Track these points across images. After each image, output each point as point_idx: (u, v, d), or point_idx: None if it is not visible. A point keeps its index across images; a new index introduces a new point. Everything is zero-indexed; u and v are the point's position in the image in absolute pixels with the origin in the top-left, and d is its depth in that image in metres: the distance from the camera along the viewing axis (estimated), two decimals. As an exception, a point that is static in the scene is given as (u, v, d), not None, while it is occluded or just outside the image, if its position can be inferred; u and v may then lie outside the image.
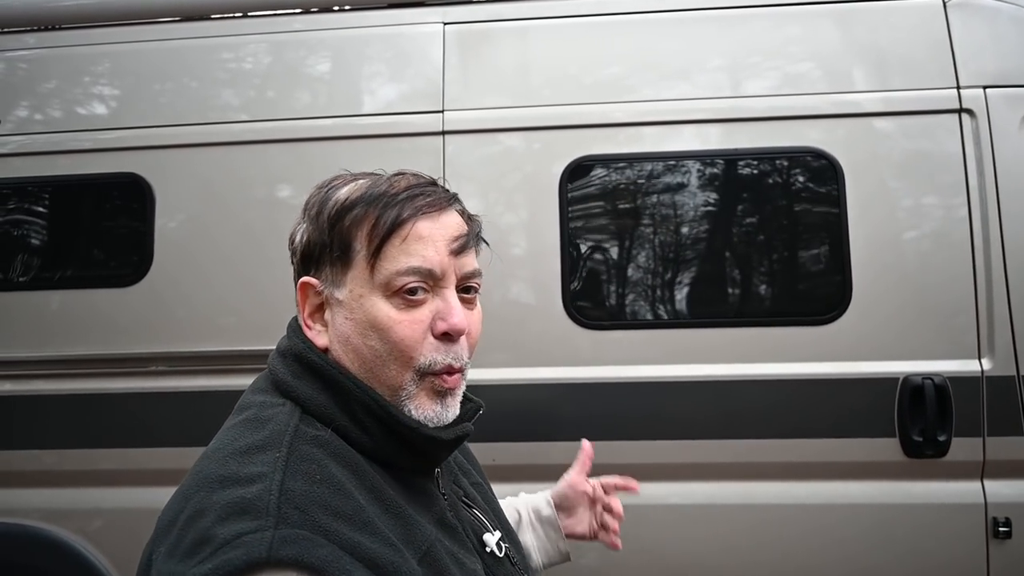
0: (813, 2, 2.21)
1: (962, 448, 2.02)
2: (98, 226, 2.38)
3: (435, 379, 0.85)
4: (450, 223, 0.86)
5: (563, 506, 1.29)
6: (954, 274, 2.07)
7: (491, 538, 0.93)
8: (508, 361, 2.13)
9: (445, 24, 2.30)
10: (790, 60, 2.20)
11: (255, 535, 0.67)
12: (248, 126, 2.28)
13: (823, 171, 2.13)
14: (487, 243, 0.93)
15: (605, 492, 1.30)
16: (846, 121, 2.15)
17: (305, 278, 0.87)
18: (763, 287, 2.17)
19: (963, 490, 2.04)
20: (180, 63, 2.35)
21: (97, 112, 2.38)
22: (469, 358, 0.87)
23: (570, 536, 1.29)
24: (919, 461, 2.03)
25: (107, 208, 2.37)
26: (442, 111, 2.24)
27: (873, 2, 2.19)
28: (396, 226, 0.82)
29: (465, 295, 0.87)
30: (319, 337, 0.87)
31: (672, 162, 2.18)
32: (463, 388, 0.89)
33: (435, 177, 0.90)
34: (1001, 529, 2.00)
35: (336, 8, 2.40)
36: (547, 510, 1.28)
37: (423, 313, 0.84)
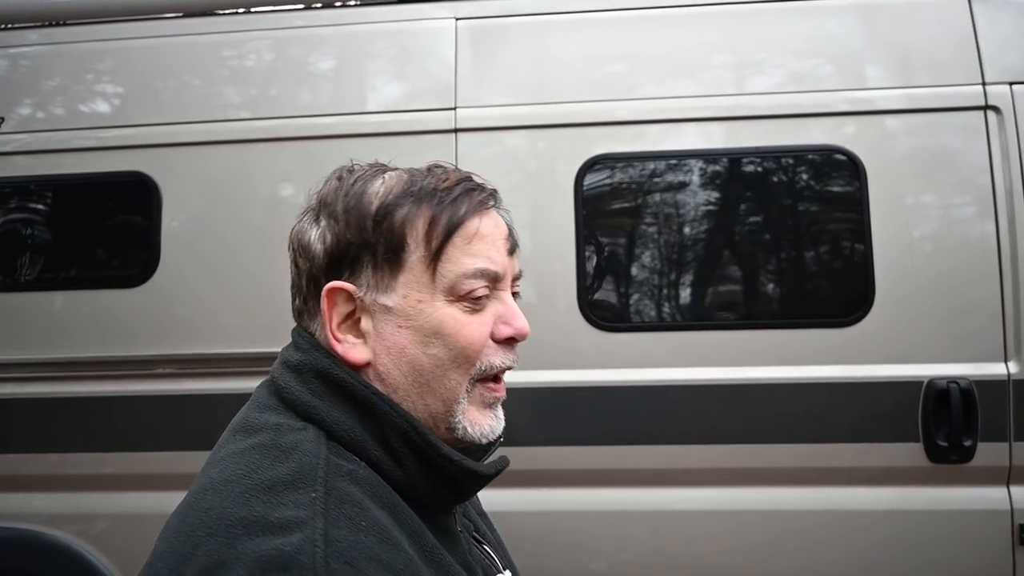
0: (836, -3, 2.16)
1: (988, 453, 1.98)
2: (104, 225, 2.34)
3: (483, 389, 0.79)
4: (500, 221, 0.81)
5: None
6: (979, 274, 2.02)
7: None
8: (521, 363, 2.07)
9: (457, 19, 2.25)
10: (814, 56, 2.15)
11: None
12: (256, 124, 2.23)
13: (846, 170, 2.08)
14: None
15: None
16: (869, 119, 2.10)
17: (336, 283, 0.75)
18: (784, 288, 2.12)
19: (989, 496, 2.00)
20: (188, 59, 2.30)
21: (104, 110, 2.33)
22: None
23: None
24: (944, 466, 1.99)
25: (113, 207, 2.33)
26: (454, 108, 2.20)
27: (896, -3, 2.14)
28: (458, 224, 0.75)
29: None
30: (354, 351, 0.76)
31: (690, 160, 2.13)
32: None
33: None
34: (1028, 536, 1.96)
35: (347, 3, 2.36)
36: None
37: (487, 316, 0.78)
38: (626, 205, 2.16)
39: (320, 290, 0.77)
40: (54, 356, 2.22)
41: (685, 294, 2.14)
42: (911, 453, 2.00)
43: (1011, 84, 2.06)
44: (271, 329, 2.08)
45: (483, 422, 0.78)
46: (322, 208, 0.78)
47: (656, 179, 2.15)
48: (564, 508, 2.08)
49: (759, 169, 2.14)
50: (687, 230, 2.13)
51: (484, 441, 0.79)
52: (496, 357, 0.78)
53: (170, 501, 0.74)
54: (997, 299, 2.01)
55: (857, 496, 2.03)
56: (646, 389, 2.07)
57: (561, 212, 2.13)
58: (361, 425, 0.73)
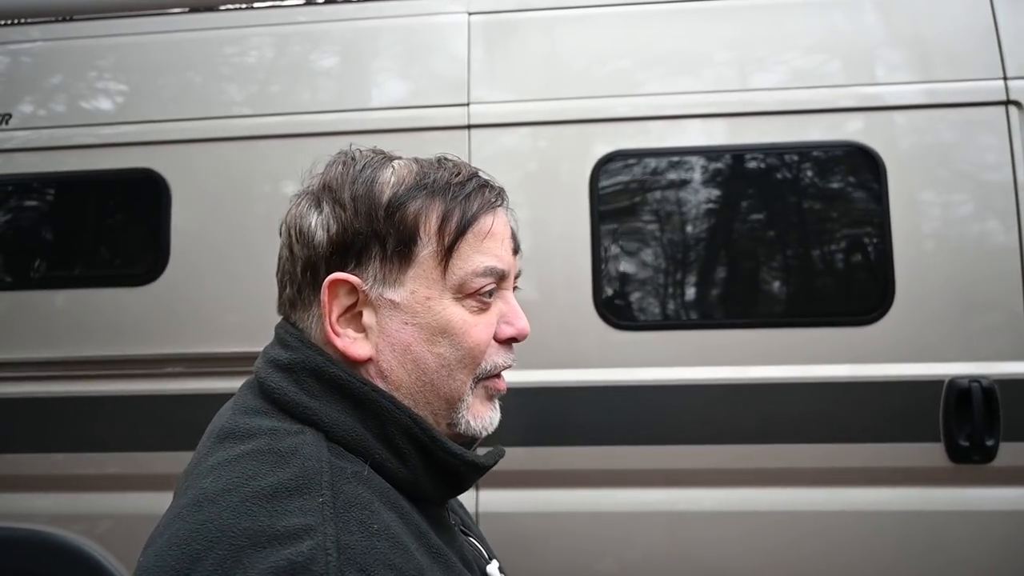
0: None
1: (1010, 453, 1.95)
2: (112, 223, 2.31)
3: (488, 384, 0.78)
4: (507, 220, 0.80)
5: None
6: (1001, 271, 1.99)
7: (493, 569, 0.84)
8: (536, 363, 2.05)
9: (470, 14, 2.22)
10: (832, 51, 2.12)
11: None
12: (269, 120, 2.20)
13: (865, 166, 2.05)
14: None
15: None
16: (888, 114, 2.07)
17: (340, 274, 0.72)
18: (803, 286, 2.09)
19: (1011, 497, 1.97)
20: (199, 55, 2.27)
21: (111, 106, 2.30)
22: None
23: None
24: (965, 467, 1.96)
25: (121, 205, 2.30)
26: (467, 104, 2.17)
27: (915, -10, 2.12)
28: (471, 221, 0.74)
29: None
30: (355, 346, 0.73)
31: (708, 157, 2.10)
32: None
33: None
34: (1051, 537, 1.93)
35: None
36: None
37: (492, 316, 0.77)
38: (642, 202, 2.13)
39: (318, 279, 0.73)
40: (63, 355, 2.20)
41: (702, 292, 2.11)
42: (932, 453, 1.97)
43: (1033, 79, 2.04)
44: (283, 328, 2.06)
45: (485, 415, 0.78)
46: (326, 193, 0.75)
47: (673, 176, 2.12)
48: (579, 509, 2.05)
49: (778, 165, 2.11)
50: (704, 228, 2.10)
51: (484, 434, 0.78)
52: (499, 357, 0.78)
53: (179, 501, 0.70)
54: (1019, 296, 1.98)
55: (876, 497, 2.00)
56: (662, 389, 2.04)
57: (576, 208, 2.10)
58: (362, 424, 0.70)
